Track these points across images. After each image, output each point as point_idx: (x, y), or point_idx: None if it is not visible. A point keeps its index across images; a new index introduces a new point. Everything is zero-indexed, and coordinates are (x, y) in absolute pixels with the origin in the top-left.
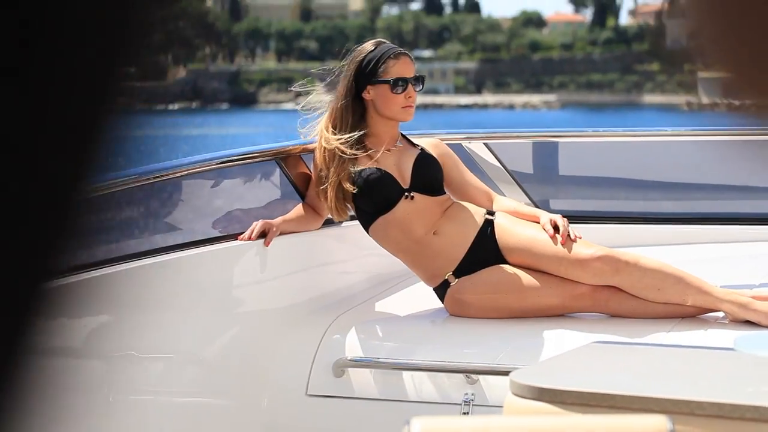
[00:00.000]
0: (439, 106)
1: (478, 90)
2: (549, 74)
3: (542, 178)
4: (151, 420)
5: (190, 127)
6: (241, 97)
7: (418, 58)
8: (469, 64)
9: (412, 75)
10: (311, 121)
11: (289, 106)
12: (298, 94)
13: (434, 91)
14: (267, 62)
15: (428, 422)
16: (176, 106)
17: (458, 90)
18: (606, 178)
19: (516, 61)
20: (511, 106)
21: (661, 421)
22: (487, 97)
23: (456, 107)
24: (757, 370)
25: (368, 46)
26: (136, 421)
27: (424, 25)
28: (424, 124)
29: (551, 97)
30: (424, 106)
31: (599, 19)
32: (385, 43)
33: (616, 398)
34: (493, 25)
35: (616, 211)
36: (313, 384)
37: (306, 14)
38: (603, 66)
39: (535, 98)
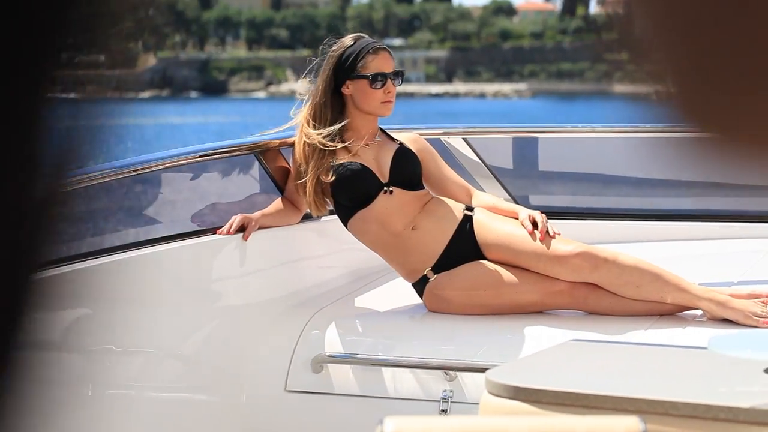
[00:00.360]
0: (410, 95)
1: (449, 79)
2: (520, 63)
3: (521, 174)
4: (129, 415)
5: (160, 115)
6: (211, 85)
7: (389, 47)
8: (440, 53)
9: (391, 70)
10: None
11: (260, 94)
12: (269, 83)
13: (405, 80)
14: (237, 50)
15: (401, 422)
16: (147, 95)
17: (429, 79)
18: (585, 174)
19: (486, 50)
20: (482, 95)
21: (634, 422)
22: (458, 86)
23: (427, 96)
24: (731, 369)
25: (347, 40)
26: (114, 416)
27: (395, 14)
28: (395, 114)
29: (522, 86)
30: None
31: (569, 8)
32: (364, 37)
33: (590, 398)
34: (464, 14)
35: (595, 207)
36: (291, 379)
37: (276, 2)
38: (573, 55)
39: (506, 87)
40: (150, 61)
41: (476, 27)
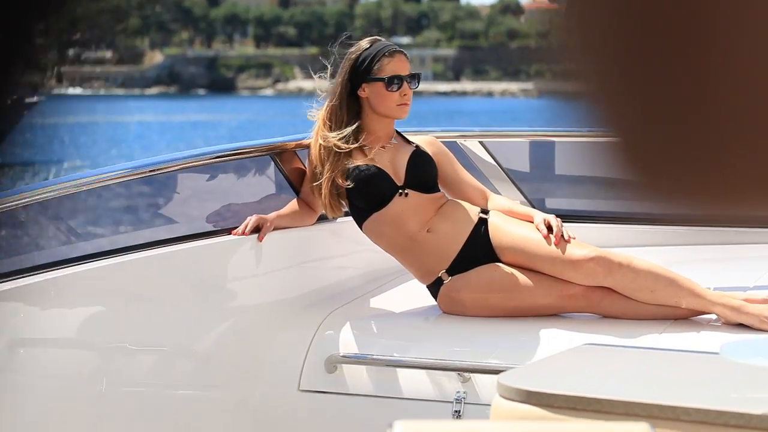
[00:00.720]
0: (417, 94)
1: (457, 77)
2: (527, 62)
3: (537, 177)
4: (142, 412)
5: (167, 112)
6: (219, 82)
7: (397, 45)
8: (448, 51)
9: (407, 72)
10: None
11: (268, 92)
12: (276, 81)
13: None
14: (245, 48)
15: (411, 426)
16: (154, 91)
17: (437, 77)
18: (601, 178)
19: (494, 49)
20: (490, 94)
21: (643, 428)
22: (466, 85)
23: (434, 94)
24: (744, 376)
25: (364, 43)
26: (127, 413)
27: (403, 12)
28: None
29: (529, 86)
30: None
31: None
32: (380, 40)
33: (602, 402)
34: (472, 12)
35: (610, 211)
36: (305, 379)
37: (284, 0)
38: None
39: (513, 86)
40: (157, 58)
41: (484, 26)
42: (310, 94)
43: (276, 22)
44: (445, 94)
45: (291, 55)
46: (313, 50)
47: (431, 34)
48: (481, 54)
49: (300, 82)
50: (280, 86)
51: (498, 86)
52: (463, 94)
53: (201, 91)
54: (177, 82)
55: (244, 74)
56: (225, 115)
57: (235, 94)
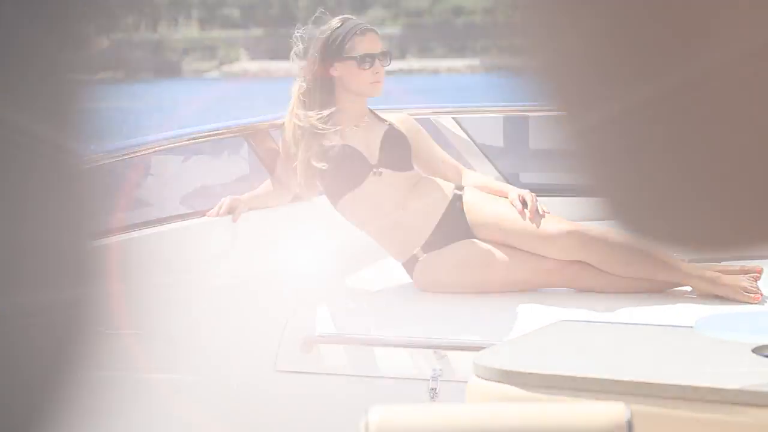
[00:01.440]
0: None
1: (403, 56)
2: (472, 38)
3: (511, 152)
4: (118, 395)
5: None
6: (164, 66)
7: None
8: (393, 30)
9: (378, 50)
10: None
11: (214, 74)
12: (222, 63)
13: None
14: (190, 31)
15: (387, 411)
16: (100, 77)
17: None
18: (575, 151)
19: (439, 26)
20: (436, 71)
21: (620, 408)
22: (412, 63)
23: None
24: (719, 350)
25: (334, 22)
26: (103, 396)
27: None
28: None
29: (475, 62)
30: None
31: None
32: (351, 19)
33: (578, 381)
34: None
35: (584, 184)
36: (281, 360)
37: None
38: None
39: (459, 63)
40: (103, 43)
41: (428, 3)
42: (256, 76)
43: (220, 4)
44: (391, 73)
45: (236, 37)
46: (257, 32)
47: (376, 13)
48: (426, 31)
49: (245, 64)
50: (226, 68)
51: (444, 63)
52: (410, 72)
53: (148, 75)
54: (123, 66)
55: (189, 57)
56: (174, 100)
57: (180, 76)
